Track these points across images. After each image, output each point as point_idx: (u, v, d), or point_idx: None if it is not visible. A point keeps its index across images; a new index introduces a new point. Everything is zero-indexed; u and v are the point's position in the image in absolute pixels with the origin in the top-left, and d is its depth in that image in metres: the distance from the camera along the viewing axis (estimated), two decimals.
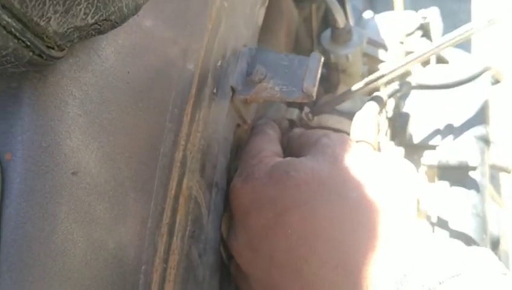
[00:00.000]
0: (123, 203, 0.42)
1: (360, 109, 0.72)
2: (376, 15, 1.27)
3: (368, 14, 1.29)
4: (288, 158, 0.58)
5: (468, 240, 0.66)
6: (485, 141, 0.78)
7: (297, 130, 0.68)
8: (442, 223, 0.69)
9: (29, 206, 0.35)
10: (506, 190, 1.16)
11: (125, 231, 0.43)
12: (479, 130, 0.79)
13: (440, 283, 0.45)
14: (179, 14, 0.49)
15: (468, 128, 0.79)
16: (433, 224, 0.70)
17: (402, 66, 0.68)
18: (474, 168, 0.72)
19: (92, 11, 0.34)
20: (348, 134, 0.70)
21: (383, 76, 0.67)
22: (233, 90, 0.58)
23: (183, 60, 0.49)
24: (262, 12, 0.70)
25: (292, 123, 0.73)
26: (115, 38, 0.41)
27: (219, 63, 0.56)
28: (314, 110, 0.72)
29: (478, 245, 0.66)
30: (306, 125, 0.73)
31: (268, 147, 0.61)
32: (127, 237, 0.43)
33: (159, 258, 0.47)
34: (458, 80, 0.80)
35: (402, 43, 0.92)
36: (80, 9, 0.33)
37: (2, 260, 0.34)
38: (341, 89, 0.81)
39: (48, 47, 0.34)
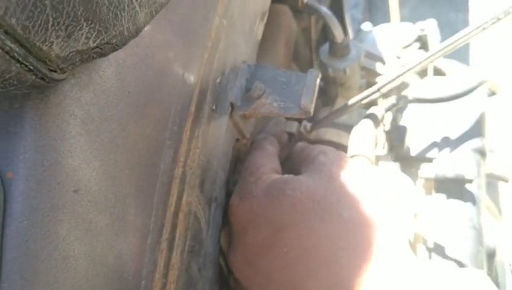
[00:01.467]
0: (124, 219, 0.43)
1: (357, 121, 0.73)
2: (374, 27, 1.28)
3: (366, 26, 1.30)
4: (286, 176, 0.59)
5: (464, 255, 0.67)
6: (481, 153, 0.79)
7: (300, 145, 0.69)
8: (438, 236, 0.69)
9: (30, 225, 0.36)
10: (504, 198, 1.16)
11: (126, 246, 0.43)
12: (475, 142, 0.79)
13: None
14: (179, 33, 0.50)
15: (464, 141, 0.79)
16: (429, 237, 0.71)
17: (398, 76, 0.68)
18: (470, 181, 0.72)
19: (94, 35, 0.35)
20: (346, 147, 0.71)
21: (379, 89, 0.68)
22: (232, 106, 0.59)
23: (182, 78, 0.50)
24: (261, 28, 0.71)
25: (291, 136, 0.74)
26: (115, 58, 0.42)
27: (218, 80, 0.56)
28: (313, 124, 0.73)
29: (473, 261, 0.67)
30: (305, 139, 0.74)
31: (266, 163, 0.62)
32: (127, 253, 0.44)
33: (159, 273, 0.47)
34: (455, 94, 0.80)
35: (399, 57, 0.93)
36: (82, 33, 0.34)
37: (4, 277, 0.35)
38: (339, 102, 0.82)
39: (51, 70, 0.34)
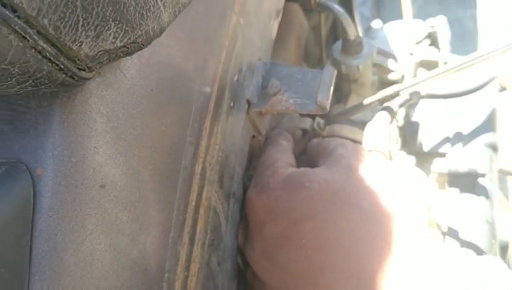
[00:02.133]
0: (147, 214, 0.44)
1: (371, 118, 0.74)
2: (385, 24, 1.28)
3: (376, 24, 1.31)
4: (302, 168, 0.60)
5: (477, 248, 0.68)
6: (493, 148, 0.80)
7: (315, 140, 0.69)
8: (452, 230, 0.70)
9: (59, 219, 0.37)
10: None
11: (150, 240, 0.44)
12: (487, 137, 0.80)
13: None
14: (198, 32, 0.51)
15: (476, 136, 0.80)
16: (443, 231, 0.72)
17: (415, 84, 0.69)
18: (483, 175, 0.73)
19: (121, 35, 0.36)
20: (360, 143, 0.72)
21: (395, 94, 0.69)
22: (249, 103, 0.60)
23: (202, 76, 0.51)
24: (276, 25, 0.72)
25: (305, 132, 0.75)
26: (139, 57, 0.43)
27: (236, 78, 0.57)
28: (327, 120, 0.74)
29: (487, 252, 0.68)
30: (318, 135, 0.75)
31: (282, 158, 0.62)
32: (151, 247, 0.45)
33: (181, 266, 0.48)
34: (466, 89, 0.81)
35: (412, 54, 0.93)
36: (110, 33, 0.35)
37: (34, 270, 0.36)
38: (352, 99, 0.83)
39: (80, 69, 0.35)
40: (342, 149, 0.61)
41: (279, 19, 0.72)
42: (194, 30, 0.50)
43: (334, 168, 0.58)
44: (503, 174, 0.96)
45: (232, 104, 0.56)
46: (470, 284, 0.47)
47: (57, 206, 0.37)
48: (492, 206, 0.72)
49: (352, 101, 0.82)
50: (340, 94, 0.84)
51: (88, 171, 0.39)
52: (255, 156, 0.68)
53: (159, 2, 0.38)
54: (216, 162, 0.54)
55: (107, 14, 0.34)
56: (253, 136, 0.65)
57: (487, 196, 0.73)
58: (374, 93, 0.84)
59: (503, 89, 0.96)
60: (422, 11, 2.92)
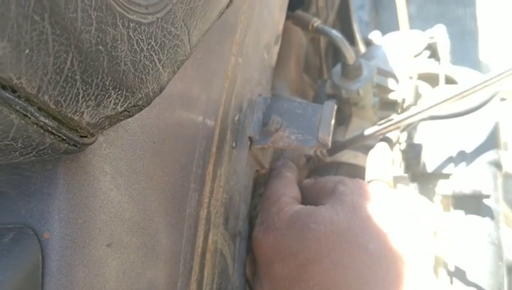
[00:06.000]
0: (154, 267, 0.44)
1: (373, 141, 0.74)
2: (383, 36, 1.28)
3: (374, 35, 1.31)
4: (308, 207, 0.60)
5: (484, 273, 0.68)
6: (497, 165, 0.80)
7: (307, 180, 0.70)
8: (458, 254, 0.70)
9: (68, 282, 0.38)
10: None
11: None
12: (490, 155, 0.80)
13: None
14: (198, 78, 0.51)
15: (480, 154, 0.80)
16: (449, 256, 0.72)
17: (418, 113, 0.69)
18: (488, 196, 0.73)
19: (122, 100, 0.36)
20: (363, 168, 0.72)
21: (398, 123, 0.69)
22: (251, 140, 0.60)
23: (203, 122, 0.51)
24: (276, 51, 0.72)
25: (309, 159, 0.75)
26: (140, 112, 0.43)
27: (237, 117, 0.58)
28: (329, 149, 0.74)
29: (494, 277, 0.68)
30: (322, 161, 0.75)
31: (287, 192, 0.63)
32: None
33: None
34: (468, 108, 0.81)
35: (412, 69, 0.93)
36: (110, 100, 0.35)
37: None
38: (354, 121, 0.83)
39: (82, 136, 0.36)
40: (343, 187, 0.61)
41: (279, 43, 0.72)
42: (194, 77, 0.51)
43: (338, 207, 0.58)
44: (508, 178, 0.96)
45: (234, 144, 0.57)
46: None
47: (65, 269, 0.38)
48: (498, 227, 0.73)
49: (353, 123, 0.82)
50: (341, 117, 0.84)
51: (94, 231, 0.39)
52: (259, 183, 0.68)
53: (157, 64, 0.38)
54: (221, 205, 0.54)
55: (107, 83, 0.34)
56: (257, 171, 0.65)
57: (492, 217, 0.73)
58: (376, 114, 0.85)
59: (503, 99, 0.96)
60: (422, 11, 2.92)
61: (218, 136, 0.54)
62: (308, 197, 0.66)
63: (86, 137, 0.36)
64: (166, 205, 0.46)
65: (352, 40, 1.39)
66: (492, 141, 0.82)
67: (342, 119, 0.84)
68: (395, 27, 2.25)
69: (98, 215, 0.40)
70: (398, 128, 0.70)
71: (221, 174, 0.54)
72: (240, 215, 0.59)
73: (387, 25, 2.30)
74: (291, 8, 0.92)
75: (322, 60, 1.27)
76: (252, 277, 0.62)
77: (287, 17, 0.81)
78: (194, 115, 0.50)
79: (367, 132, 0.68)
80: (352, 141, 0.71)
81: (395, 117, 0.67)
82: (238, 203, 0.59)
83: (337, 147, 0.73)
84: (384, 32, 1.34)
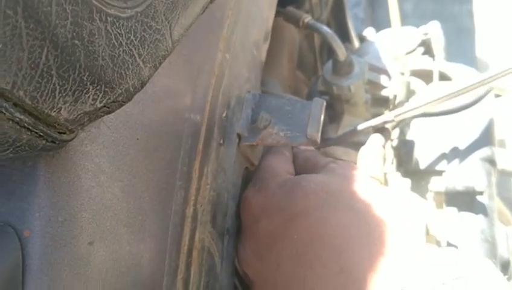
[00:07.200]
0: (138, 265, 0.44)
1: (365, 138, 0.74)
2: (377, 32, 1.28)
3: (369, 32, 1.31)
4: (301, 175, 0.60)
5: None
6: (491, 162, 0.79)
7: (301, 155, 0.69)
8: (451, 245, 0.70)
9: (49, 280, 0.37)
10: None
11: None
12: (484, 151, 0.79)
13: (443, 284, 0.47)
14: (183, 75, 0.50)
15: (473, 151, 0.80)
16: (442, 246, 0.71)
17: (411, 109, 0.68)
18: (481, 193, 0.73)
19: (100, 96, 0.35)
20: (354, 164, 0.72)
21: (391, 121, 0.69)
22: (239, 137, 0.60)
23: (189, 119, 0.51)
24: (265, 48, 0.71)
25: None
26: (123, 108, 0.43)
27: (224, 114, 0.57)
28: (321, 144, 0.74)
29: None
30: None
31: (282, 166, 0.63)
32: None
33: None
34: (462, 105, 0.81)
35: (405, 66, 0.93)
36: (89, 96, 0.35)
37: None
38: (346, 118, 0.82)
39: (60, 133, 0.35)
40: (334, 164, 0.62)
41: (269, 40, 0.72)
42: (179, 73, 0.50)
43: (329, 174, 0.59)
44: (504, 175, 0.96)
45: (221, 141, 0.56)
46: (463, 273, 0.47)
47: (46, 268, 0.37)
48: (492, 224, 0.72)
49: (345, 120, 0.82)
50: (334, 113, 0.83)
51: (76, 230, 0.39)
52: (249, 180, 0.67)
53: (137, 59, 0.37)
54: (208, 202, 0.53)
55: (85, 78, 0.34)
56: (246, 168, 0.64)
57: (486, 214, 0.72)
58: (368, 111, 0.84)
59: (497, 96, 0.96)
60: (418, 8, 2.92)
61: (205, 133, 0.53)
62: (299, 172, 0.65)
63: (64, 133, 0.36)
64: (151, 202, 0.45)
65: (346, 37, 1.39)
66: (486, 138, 0.82)
67: (334, 116, 0.84)
68: (391, 24, 2.25)
69: (79, 213, 0.39)
70: (391, 122, 0.69)
71: (208, 171, 0.53)
72: (228, 213, 0.59)
73: (383, 22, 2.30)
74: (285, 3, 0.92)
75: (317, 57, 1.26)
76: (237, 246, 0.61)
77: (278, 13, 0.80)
78: (179, 111, 0.50)
79: (359, 127, 0.68)
80: (343, 137, 0.70)
81: (387, 114, 0.67)
82: (226, 200, 0.58)
83: (328, 143, 0.73)
84: (379, 30, 1.34)
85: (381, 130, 0.70)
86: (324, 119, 0.61)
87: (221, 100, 0.56)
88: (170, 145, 0.48)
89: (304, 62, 1.20)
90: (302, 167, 0.66)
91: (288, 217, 0.56)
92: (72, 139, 0.37)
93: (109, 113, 0.38)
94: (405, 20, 2.70)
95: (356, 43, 1.39)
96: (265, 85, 0.87)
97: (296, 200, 0.56)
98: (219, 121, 0.56)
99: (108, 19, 0.34)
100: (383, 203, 0.57)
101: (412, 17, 2.74)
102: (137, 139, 0.44)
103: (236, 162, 0.60)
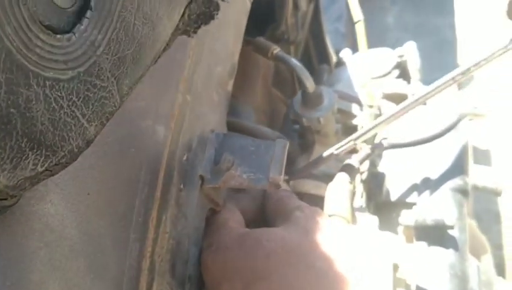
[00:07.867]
0: None
1: (335, 169, 0.73)
2: (353, 54, 1.27)
3: (345, 53, 1.30)
4: (260, 228, 0.59)
5: None
6: (463, 191, 0.79)
7: (276, 194, 0.68)
8: (421, 288, 0.69)
9: None
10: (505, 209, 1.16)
11: None
12: (455, 182, 0.79)
13: None
14: (139, 122, 0.49)
15: (445, 181, 0.79)
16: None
17: (372, 128, 0.68)
18: (451, 227, 0.72)
19: (41, 160, 0.34)
20: (324, 198, 0.71)
21: (354, 140, 0.68)
22: (202, 178, 0.59)
23: (146, 167, 0.50)
24: (231, 83, 0.70)
25: None
26: (73, 164, 0.42)
27: (185, 157, 0.56)
28: (290, 176, 0.73)
29: None
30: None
31: (231, 217, 0.62)
32: None
33: None
34: (434, 134, 0.80)
35: (371, 106, 0.92)
36: (29, 162, 0.33)
37: None
38: (317, 149, 0.81)
39: (1, 199, 0.34)
40: (299, 213, 0.61)
41: (235, 74, 0.71)
42: (134, 123, 0.49)
43: (291, 228, 0.58)
44: (485, 192, 0.95)
45: (182, 186, 0.55)
46: None
47: None
48: (463, 258, 0.71)
49: (316, 151, 0.81)
50: (305, 143, 0.83)
51: None
52: None
53: (81, 119, 0.36)
54: (166, 252, 0.52)
55: (23, 145, 0.32)
56: (211, 208, 0.63)
57: (456, 248, 0.72)
58: (339, 140, 0.83)
59: (471, 120, 0.95)
60: (400, 21, 2.92)
61: (163, 180, 0.52)
62: (269, 210, 0.65)
63: (5, 199, 0.35)
64: (102, 258, 0.44)
65: (325, 55, 1.39)
66: (458, 167, 0.81)
67: (306, 146, 0.83)
68: (373, 39, 2.25)
69: (26, 275, 0.38)
70: (354, 148, 0.69)
71: (166, 219, 0.52)
72: (189, 259, 0.57)
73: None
74: (262, 26, 0.91)
75: (294, 74, 1.26)
76: None
77: (248, 43, 0.79)
78: (134, 160, 0.48)
79: (325, 153, 0.67)
80: (310, 167, 0.70)
81: (346, 140, 0.67)
82: (186, 247, 0.57)
83: (296, 176, 0.72)
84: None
85: (347, 167, 0.70)
86: (295, 149, 0.61)
87: (181, 143, 0.55)
88: (124, 197, 0.47)
89: (282, 80, 1.19)
90: (273, 208, 0.65)
91: (249, 281, 0.55)
92: (15, 203, 0.36)
93: (52, 175, 0.36)
94: (387, 33, 2.70)
95: (334, 60, 1.39)
96: (238, 115, 0.86)
97: (256, 261, 0.55)
98: (179, 165, 0.55)
99: (47, 82, 0.33)
100: (345, 256, 0.57)
101: (394, 30, 2.74)
102: (88, 194, 0.43)
103: (198, 205, 0.59)
